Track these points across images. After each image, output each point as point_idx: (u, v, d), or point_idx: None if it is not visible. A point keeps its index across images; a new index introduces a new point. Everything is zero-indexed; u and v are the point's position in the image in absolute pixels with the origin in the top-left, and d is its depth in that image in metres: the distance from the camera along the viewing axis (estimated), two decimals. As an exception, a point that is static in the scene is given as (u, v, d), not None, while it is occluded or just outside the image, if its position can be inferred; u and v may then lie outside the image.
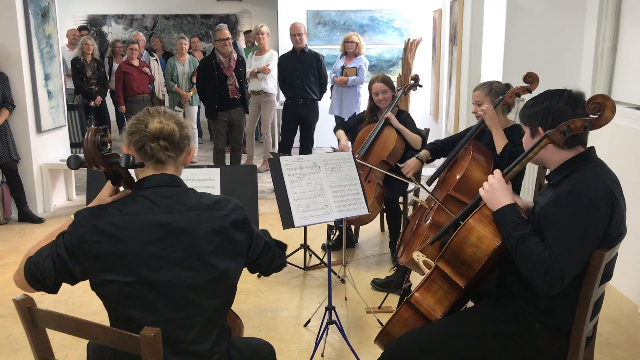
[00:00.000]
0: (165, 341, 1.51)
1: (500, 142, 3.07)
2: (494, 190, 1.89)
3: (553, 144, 1.83)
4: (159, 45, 8.91)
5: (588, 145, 1.90)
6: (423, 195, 4.47)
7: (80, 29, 9.25)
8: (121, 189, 1.73)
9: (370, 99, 4.24)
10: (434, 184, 3.48)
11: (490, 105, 3.10)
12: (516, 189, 3.12)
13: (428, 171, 5.10)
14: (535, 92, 3.18)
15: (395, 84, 7.03)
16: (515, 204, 1.87)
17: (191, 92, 7.52)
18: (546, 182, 1.99)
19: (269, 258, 1.81)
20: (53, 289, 1.60)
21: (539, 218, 1.81)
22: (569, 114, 1.83)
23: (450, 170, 3.29)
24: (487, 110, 3.08)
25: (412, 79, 4.24)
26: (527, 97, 3.68)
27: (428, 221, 3.14)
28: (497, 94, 3.22)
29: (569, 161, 1.86)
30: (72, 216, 1.67)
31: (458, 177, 3.07)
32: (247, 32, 9.14)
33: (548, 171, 3.22)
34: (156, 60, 8.14)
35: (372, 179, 3.96)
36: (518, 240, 1.75)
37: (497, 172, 1.95)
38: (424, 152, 3.53)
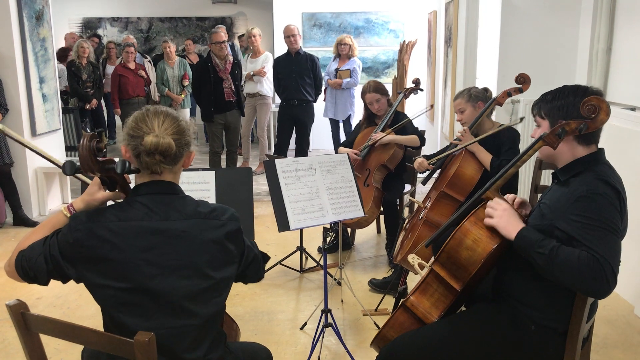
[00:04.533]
0: (159, 348, 1.50)
1: (485, 158, 3.15)
2: (508, 215, 1.83)
3: (548, 146, 1.83)
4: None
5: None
6: (419, 198, 4.48)
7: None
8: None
9: (366, 108, 4.21)
10: (429, 184, 3.51)
11: (467, 130, 3.22)
12: (512, 192, 3.14)
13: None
14: (527, 93, 3.25)
15: (390, 86, 7.05)
16: (525, 225, 1.83)
17: (182, 95, 7.48)
18: (552, 179, 1.97)
19: (255, 269, 1.80)
20: (45, 284, 1.61)
21: (557, 225, 1.77)
22: None
23: (444, 170, 3.35)
24: (463, 136, 3.20)
25: (413, 82, 4.18)
26: (520, 97, 3.73)
27: (422, 219, 3.18)
28: (477, 98, 3.32)
29: (580, 160, 1.85)
30: (62, 209, 1.66)
31: (451, 174, 3.12)
32: (241, 37, 9.14)
33: (544, 172, 3.27)
34: (149, 62, 8.13)
35: (371, 182, 3.95)
36: (551, 255, 1.68)
37: (499, 199, 1.90)
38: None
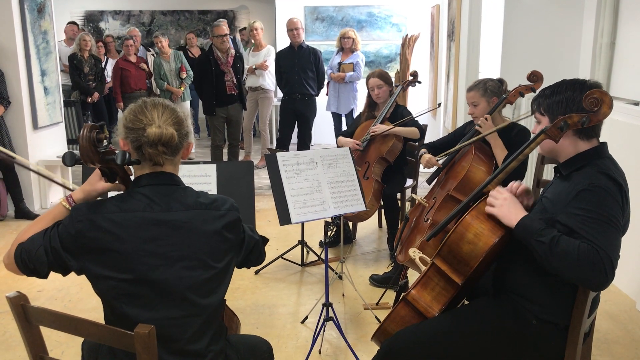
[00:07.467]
0: (161, 340, 1.50)
1: (500, 153, 3.04)
2: (509, 204, 1.83)
3: (550, 139, 1.82)
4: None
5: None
6: (421, 192, 4.46)
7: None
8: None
9: (369, 95, 4.23)
10: (434, 182, 3.46)
11: (489, 117, 3.09)
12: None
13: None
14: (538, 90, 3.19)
15: (393, 80, 7.03)
16: (528, 213, 1.83)
17: (182, 88, 7.45)
18: (554, 173, 1.96)
19: (257, 255, 1.83)
20: (44, 277, 1.60)
21: (558, 219, 1.76)
22: None
23: (451, 169, 3.26)
24: (484, 124, 3.07)
25: (410, 75, 4.20)
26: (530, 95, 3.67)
27: (428, 220, 3.12)
28: (493, 93, 3.18)
29: (582, 154, 1.84)
30: (61, 200, 1.66)
31: (460, 177, 3.05)
32: (242, 30, 9.11)
33: (546, 166, 3.24)
34: (152, 55, 8.11)
35: (370, 175, 3.95)
36: (551, 244, 1.67)
37: (501, 188, 1.92)
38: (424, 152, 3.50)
